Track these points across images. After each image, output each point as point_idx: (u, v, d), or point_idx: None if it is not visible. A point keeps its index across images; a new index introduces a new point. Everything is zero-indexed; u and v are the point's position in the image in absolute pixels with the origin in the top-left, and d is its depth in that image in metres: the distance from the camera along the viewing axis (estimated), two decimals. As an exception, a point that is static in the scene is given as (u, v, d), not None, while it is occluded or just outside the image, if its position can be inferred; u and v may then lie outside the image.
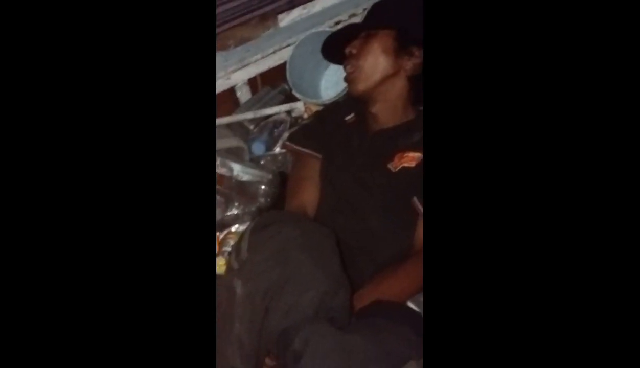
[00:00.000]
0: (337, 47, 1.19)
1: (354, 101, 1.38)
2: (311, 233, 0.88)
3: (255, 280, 0.82)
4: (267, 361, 0.84)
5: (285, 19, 1.43)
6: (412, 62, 1.12)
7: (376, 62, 1.11)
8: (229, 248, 1.15)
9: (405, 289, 0.98)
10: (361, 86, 1.13)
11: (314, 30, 1.43)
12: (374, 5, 1.21)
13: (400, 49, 1.12)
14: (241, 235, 0.92)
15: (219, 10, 1.33)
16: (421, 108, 1.17)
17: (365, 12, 1.23)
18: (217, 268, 1.10)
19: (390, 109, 1.15)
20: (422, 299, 0.97)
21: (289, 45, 1.44)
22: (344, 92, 1.37)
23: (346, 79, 1.17)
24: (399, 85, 1.14)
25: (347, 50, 1.15)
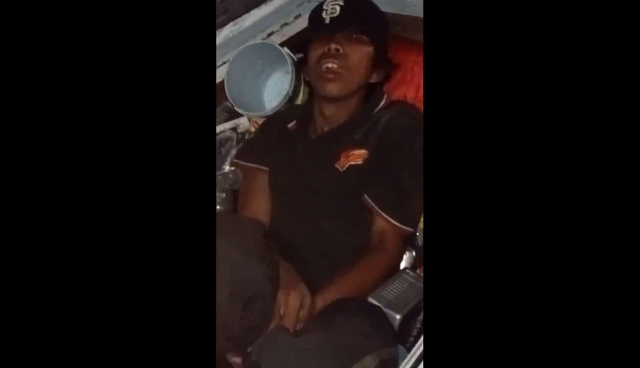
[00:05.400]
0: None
1: (295, 107, 1.38)
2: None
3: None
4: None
5: (218, 37, 1.43)
6: (380, 76, 1.15)
7: (360, 68, 1.10)
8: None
9: (364, 285, 0.97)
10: (341, 88, 1.08)
11: (246, 44, 1.43)
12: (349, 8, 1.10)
13: (377, 62, 1.13)
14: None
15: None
16: (364, 105, 1.17)
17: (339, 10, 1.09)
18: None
19: (344, 111, 1.15)
20: (383, 293, 0.97)
21: (224, 63, 1.44)
22: (286, 100, 1.37)
23: (320, 76, 1.08)
24: (362, 92, 1.15)
25: (331, 46, 1.08)
